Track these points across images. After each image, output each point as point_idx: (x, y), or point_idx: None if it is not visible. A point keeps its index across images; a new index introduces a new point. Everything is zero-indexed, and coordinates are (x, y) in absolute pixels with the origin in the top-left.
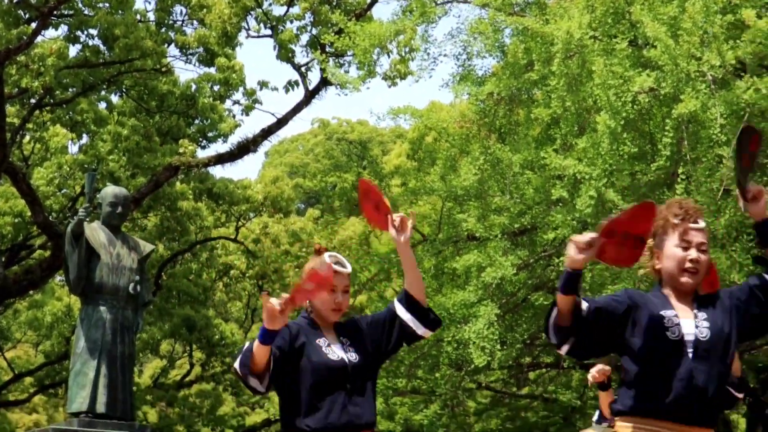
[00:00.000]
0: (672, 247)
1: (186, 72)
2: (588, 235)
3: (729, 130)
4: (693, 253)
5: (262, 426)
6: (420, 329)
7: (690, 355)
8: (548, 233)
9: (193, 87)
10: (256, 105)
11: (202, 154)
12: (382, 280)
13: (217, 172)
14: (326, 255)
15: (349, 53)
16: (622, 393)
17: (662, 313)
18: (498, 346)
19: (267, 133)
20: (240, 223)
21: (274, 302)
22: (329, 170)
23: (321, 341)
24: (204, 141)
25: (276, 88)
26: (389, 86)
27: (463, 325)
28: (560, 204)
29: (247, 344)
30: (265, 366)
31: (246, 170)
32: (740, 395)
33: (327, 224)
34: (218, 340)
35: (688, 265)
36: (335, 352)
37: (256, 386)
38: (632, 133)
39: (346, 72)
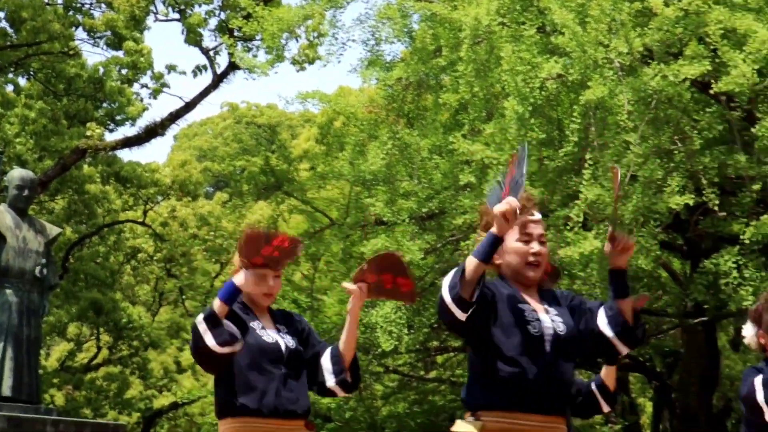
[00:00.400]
0: (513, 242)
1: (94, 55)
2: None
3: (636, 116)
4: (535, 246)
5: (170, 409)
6: (330, 382)
7: (548, 349)
8: (456, 218)
9: (101, 70)
10: (164, 89)
11: (109, 137)
12: (289, 264)
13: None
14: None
15: (257, 38)
16: (479, 386)
17: (521, 306)
18: (405, 330)
19: (175, 117)
20: (148, 207)
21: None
22: (238, 154)
23: (255, 324)
24: (112, 124)
25: (184, 72)
26: (298, 71)
27: (370, 309)
28: (468, 189)
29: (201, 325)
30: (221, 325)
31: (154, 154)
32: (608, 407)
33: (235, 208)
34: (126, 324)
35: (531, 258)
36: (270, 335)
37: (221, 340)
38: (540, 119)
39: (255, 56)
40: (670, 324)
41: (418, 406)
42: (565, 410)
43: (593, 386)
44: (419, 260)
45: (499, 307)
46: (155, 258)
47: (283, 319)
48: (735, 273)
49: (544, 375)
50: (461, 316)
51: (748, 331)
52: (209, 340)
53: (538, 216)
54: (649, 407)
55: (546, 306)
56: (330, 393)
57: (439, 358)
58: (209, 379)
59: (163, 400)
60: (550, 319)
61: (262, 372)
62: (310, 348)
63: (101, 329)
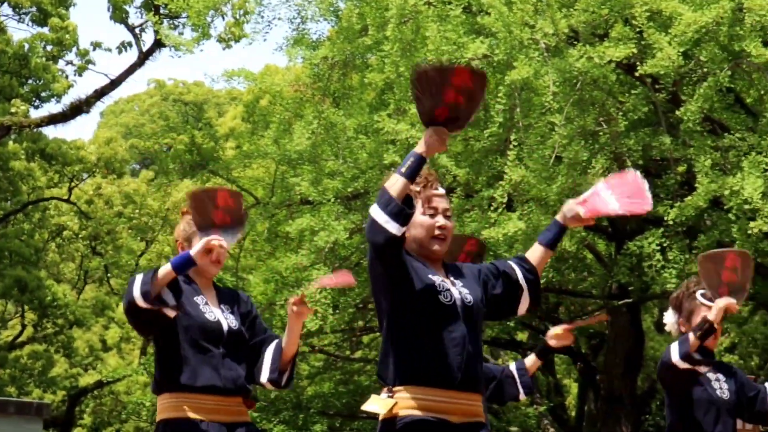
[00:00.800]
0: (419, 216)
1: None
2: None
3: (561, 97)
4: (441, 220)
5: (95, 387)
6: (263, 378)
7: (460, 319)
8: None
9: (26, 47)
10: (90, 66)
11: (35, 114)
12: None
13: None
14: None
15: (183, 15)
16: (392, 361)
17: (431, 277)
18: (330, 310)
19: (100, 94)
20: (73, 184)
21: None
22: (164, 131)
23: (199, 299)
24: (37, 101)
25: (110, 49)
26: (224, 49)
27: (296, 288)
28: (392, 169)
29: (138, 276)
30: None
31: (81, 130)
32: (525, 395)
33: (160, 186)
34: (50, 302)
35: (437, 232)
36: (213, 312)
37: (144, 291)
38: None
39: (181, 34)
40: (595, 305)
41: (343, 386)
42: (480, 386)
43: (513, 369)
44: (345, 240)
45: (411, 276)
46: (80, 236)
47: (229, 298)
48: (659, 255)
49: (458, 347)
50: (398, 230)
51: (669, 318)
52: (135, 290)
53: (442, 190)
54: (574, 388)
55: (452, 278)
56: (259, 384)
57: (365, 338)
58: (134, 358)
59: (88, 379)
60: (458, 291)
61: (200, 350)
62: (255, 334)
63: (26, 307)
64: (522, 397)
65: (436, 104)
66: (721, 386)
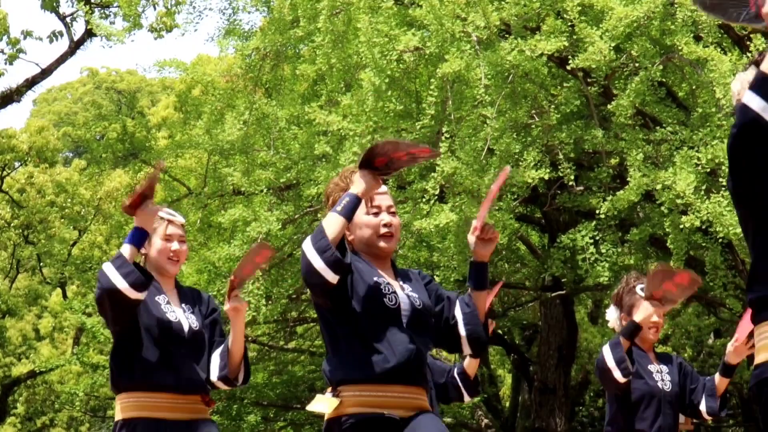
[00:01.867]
0: (362, 216)
1: None
2: None
3: (493, 90)
4: (386, 217)
5: (28, 377)
6: (214, 376)
7: (405, 323)
8: (311, 188)
9: None
10: (21, 55)
11: None
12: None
13: None
14: (162, 212)
15: (114, 5)
16: (336, 361)
17: (377, 280)
18: (263, 301)
19: (31, 83)
20: (5, 173)
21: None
22: (97, 120)
23: (160, 298)
24: None
25: (41, 38)
26: (155, 38)
27: (228, 279)
28: (324, 160)
29: (111, 266)
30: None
31: (13, 119)
32: (470, 397)
33: (92, 176)
34: None
35: (383, 230)
36: (174, 311)
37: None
38: (397, 91)
39: (112, 23)
40: (529, 297)
41: (277, 377)
42: (424, 381)
43: (455, 373)
44: (277, 231)
45: (355, 278)
46: (12, 225)
47: (190, 298)
48: (592, 248)
49: (401, 347)
50: (333, 278)
51: (612, 314)
52: (120, 282)
53: (384, 188)
54: (508, 379)
55: (400, 282)
56: (211, 385)
57: (299, 329)
58: (67, 348)
59: (21, 368)
60: (405, 294)
61: (160, 349)
62: (212, 337)
63: None
64: (467, 399)
65: (385, 154)
66: (662, 377)
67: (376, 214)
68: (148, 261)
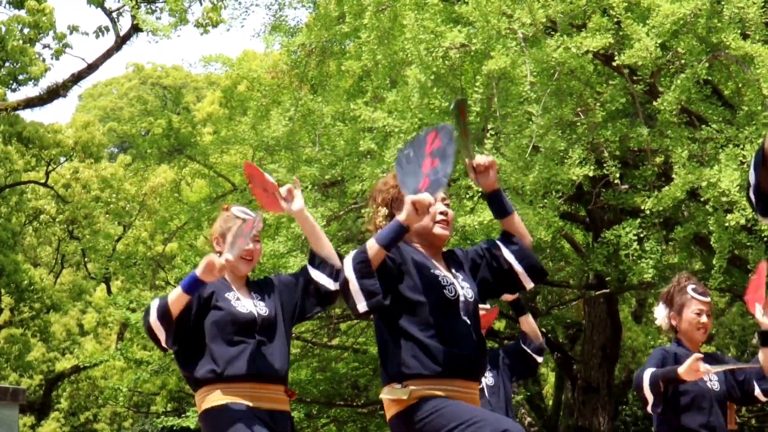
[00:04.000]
0: None
1: None
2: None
3: (539, 87)
4: (441, 206)
5: (71, 372)
6: (331, 285)
7: (463, 313)
8: (356, 185)
9: (2, 29)
10: (67, 49)
11: (12, 97)
12: (193, 228)
13: (28, 115)
14: (234, 209)
15: (160, 0)
16: (400, 355)
17: (434, 272)
18: None
19: (77, 78)
20: (50, 168)
21: (218, 259)
22: (142, 115)
23: (230, 295)
24: (14, 84)
25: (87, 33)
26: (201, 34)
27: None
28: (369, 156)
29: (156, 301)
30: (174, 319)
31: (59, 114)
32: (540, 359)
33: (137, 171)
34: (27, 286)
35: (440, 216)
36: (245, 305)
37: (164, 340)
38: (443, 88)
39: (158, 18)
40: (572, 295)
41: (320, 373)
42: (480, 377)
43: (521, 345)
44: (322, 227)
45: (411, 272)
46: (57, 220)
47: (258, 288)
48: (636, 245)
49: (463, 339)
50: (366, 308)
51: (660, 312)
52: (162, 336)
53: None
54: (551, 378)
55: (453, 271)
56: (334, 295)
57: (343, 326)
58: (111, 343)
59: (65, 363)
60: (460, 285)
61: (233, 343)
62: (294, 288)
63: (2, 291)
64: (539, 359)
65: (418, 180)
66: (710, 377)
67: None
68: (198, 267)
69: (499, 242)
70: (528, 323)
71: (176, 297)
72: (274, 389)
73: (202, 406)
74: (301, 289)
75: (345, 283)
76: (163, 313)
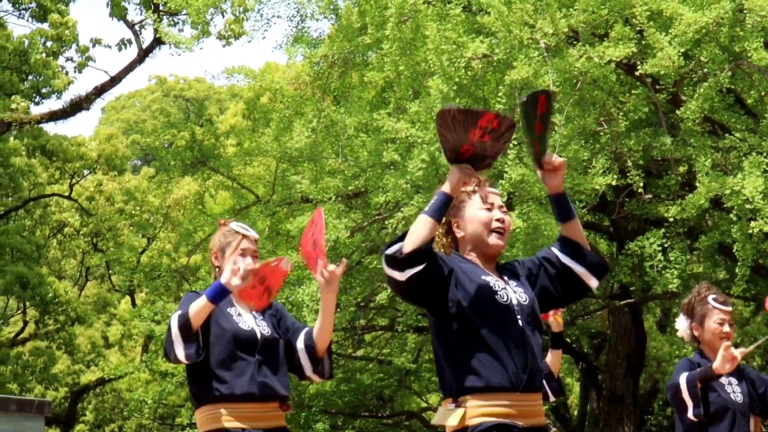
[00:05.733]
0: (475, 210)
1: (19, 27)
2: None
3: (562, 97)
4: (498, 214)
5: (96, 385)
6: (308, 371)
7: (519, 319)
8: (380, 196)
9: (26, 42)
10: (90, 62)
11: (35, 110)
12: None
13: (51, 128)
14: (233, 224)
15: (183, 12)
16: (452, 371)
17: (485, 278)
18: None
19: (100, 91)
20: (74, 181)
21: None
22: (165, 127)
23: (232, 310)
24: (37, 97)
25: (109, 46)
26: (224, 46)
27: (297, 287)
28: (392, 167)
29: (177, 313)
30: (194, 331)
31: (82, 127)
32: (554, 397)
33: (161, 183)
34: (52, 298)
35: (495, 224)
36: (246, 321)
37: (189, 353)
38: (465, 98)
39: (181, 31)
40: (597, 305)
41: (345, 384)
42: (540, 385)
43: None
44: (345, 239)
45: (460, 279)
46: (81, 232)
47: None
48: (660, 256)
49: (521, 349)
50: (400, 276)
51: (681, 323)
52: (179, 351)
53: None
54: (576, 388)
55: (506, 278)
56: (307, 379)
57: (367, 337)
58: (136, 355)
59: (90, 376)
60: (512, 290)
61: (235, 359)
62: (284, 331)
63: (27, 304)
64: (552, 399)
65: (460, 141)
66: (733, 390)
67: (489, 210)
68: (222, 275)
69: (553, 249)
70: (556, 359)
71: (200, 307)
72: (270, 407)
73: (200, 426)
74: (283, 346)
75: (385, 273)
76: (184, 323)
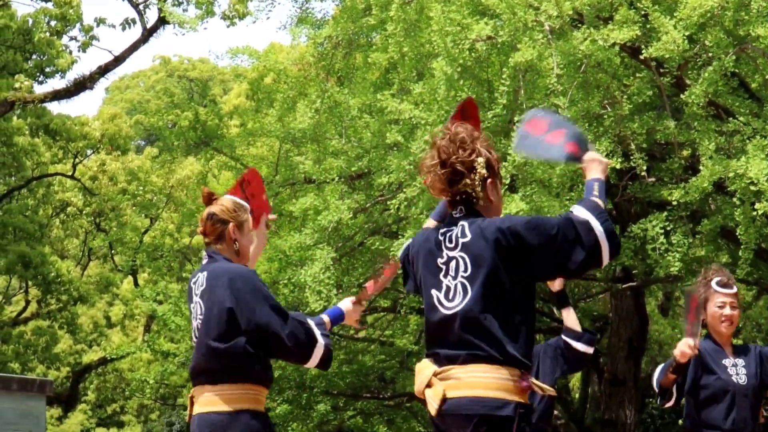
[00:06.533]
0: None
1: (23, 6)
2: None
3: (566, 80)
4: (727, 311)
5: (98, 364)
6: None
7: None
8: (383, 177)
9: (30, 22)
10: (94, 42)
11: (38, 89)
12: None
13: (55, 108)
14: (238, 200)
15: None
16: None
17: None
18: (334, 290)
19: (104, 70)
20: (77, 160)
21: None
22: (169, 108)
23: None
24: (41, 76)
25: (113, 26)
26: (228, 26)
27: (299, 268)
28: (395, 148)
29: (312, 324)
30: None
31: (86, 106)
32: (587, 348)
33: (164, 163)
34: (54, 278)
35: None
36: None
37: None
38: (469, 80)
39: (185, 11)
40: (599, 288)
41: (347, 366)
42: None
43: (564, 338)
44: (348, 220)
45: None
46: (84, 212)
47: None
48: (662, 238)
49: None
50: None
51: None
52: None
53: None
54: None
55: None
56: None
57: (370, 318)
58: (138, 335)
59: (92, 355)
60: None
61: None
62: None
63: (30, 283)
64: (588, 349)
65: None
66: (737, 372)
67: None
68: (241, 249)
69: None
70: (571, 315)
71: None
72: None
73: (234, 403)
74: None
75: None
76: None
